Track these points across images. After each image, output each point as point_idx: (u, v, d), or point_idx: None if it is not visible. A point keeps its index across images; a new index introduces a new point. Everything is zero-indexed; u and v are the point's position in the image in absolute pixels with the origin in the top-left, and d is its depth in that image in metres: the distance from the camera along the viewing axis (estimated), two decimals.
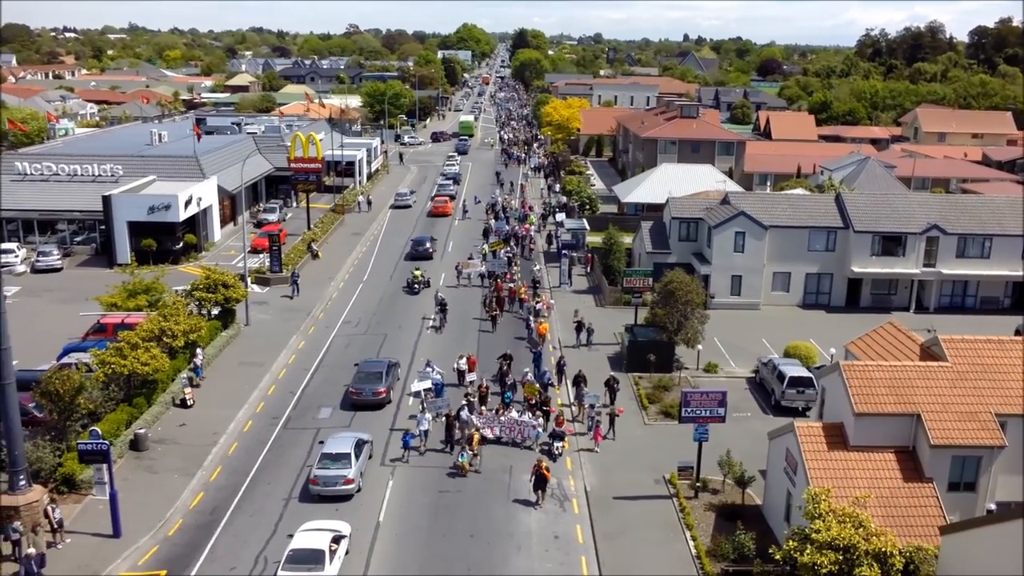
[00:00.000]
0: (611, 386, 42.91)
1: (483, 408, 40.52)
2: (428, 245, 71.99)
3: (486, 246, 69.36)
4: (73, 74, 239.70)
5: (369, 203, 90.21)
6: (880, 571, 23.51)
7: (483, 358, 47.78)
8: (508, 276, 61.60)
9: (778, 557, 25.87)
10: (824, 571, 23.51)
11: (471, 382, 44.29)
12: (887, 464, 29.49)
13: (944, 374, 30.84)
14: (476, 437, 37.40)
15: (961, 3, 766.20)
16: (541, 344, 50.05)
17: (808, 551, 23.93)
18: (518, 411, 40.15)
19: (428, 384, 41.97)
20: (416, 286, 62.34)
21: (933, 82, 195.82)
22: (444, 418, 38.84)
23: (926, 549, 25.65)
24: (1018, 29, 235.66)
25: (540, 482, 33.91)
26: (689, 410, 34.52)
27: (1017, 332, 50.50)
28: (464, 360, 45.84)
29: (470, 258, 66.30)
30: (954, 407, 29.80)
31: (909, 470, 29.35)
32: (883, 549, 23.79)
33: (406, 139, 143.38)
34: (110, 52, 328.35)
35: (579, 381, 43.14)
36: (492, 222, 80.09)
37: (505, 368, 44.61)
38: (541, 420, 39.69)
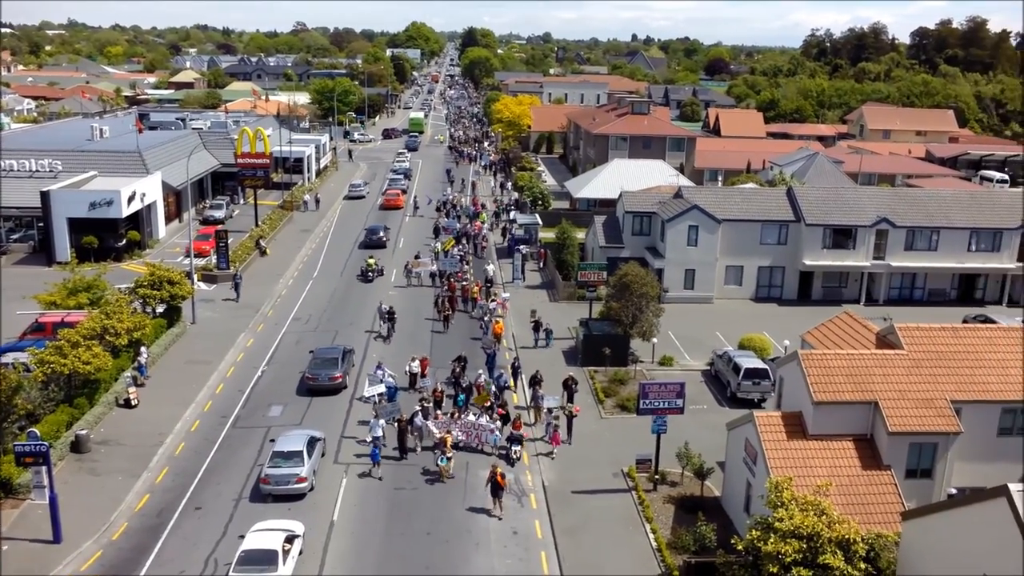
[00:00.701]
0: (569, 386, 41.65)
1: (438, 412, 38.92)
2: (382, 234, 73.11)
3: (438, 244, 68.36)
4: (9, 70, 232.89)
5: (317, 201, 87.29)
6: (843, 558, 23.32)
7: (436, 360, 46.76)
8: (460, 275, 60.04)
9: (740, 547, 25.58)
10: (788, 559, 23.26)
11: (424, 386, 42.27)
12: (846, 452, 29.46)
13: (900, 362, 30.92)
14: (448, 439, 35.74)
15: (903, 7, 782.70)
16: (496, 345, 48.42)
17: (772, 540, 23.67)
18: (475, 415, 38.59)
19: (381, 388, 40.46)
20: (370, 274, 63.24)
21: (877, 81, 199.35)
22: (396, 423, 36.97)
23: (886, 536, 25.60)
24: (958, 31, 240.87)
25: (496, 489, 32.41)
26: (647, 402, 34.21)
27: (964, 322, 51.17)
28: (417, 363, 44.40)
29: (417, 257, 64.46)
30: (911, 394, 29.88)
31: (868, 458, 29.35)
32: (846, 536, 23.62)
33: (356, 136, 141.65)
34: (48, 48, 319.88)
35: (536, 383, 41.82)
36: (443, 220, 78.59)
37: (459, 370, 43.16)
38: (499, 423, 38.21)
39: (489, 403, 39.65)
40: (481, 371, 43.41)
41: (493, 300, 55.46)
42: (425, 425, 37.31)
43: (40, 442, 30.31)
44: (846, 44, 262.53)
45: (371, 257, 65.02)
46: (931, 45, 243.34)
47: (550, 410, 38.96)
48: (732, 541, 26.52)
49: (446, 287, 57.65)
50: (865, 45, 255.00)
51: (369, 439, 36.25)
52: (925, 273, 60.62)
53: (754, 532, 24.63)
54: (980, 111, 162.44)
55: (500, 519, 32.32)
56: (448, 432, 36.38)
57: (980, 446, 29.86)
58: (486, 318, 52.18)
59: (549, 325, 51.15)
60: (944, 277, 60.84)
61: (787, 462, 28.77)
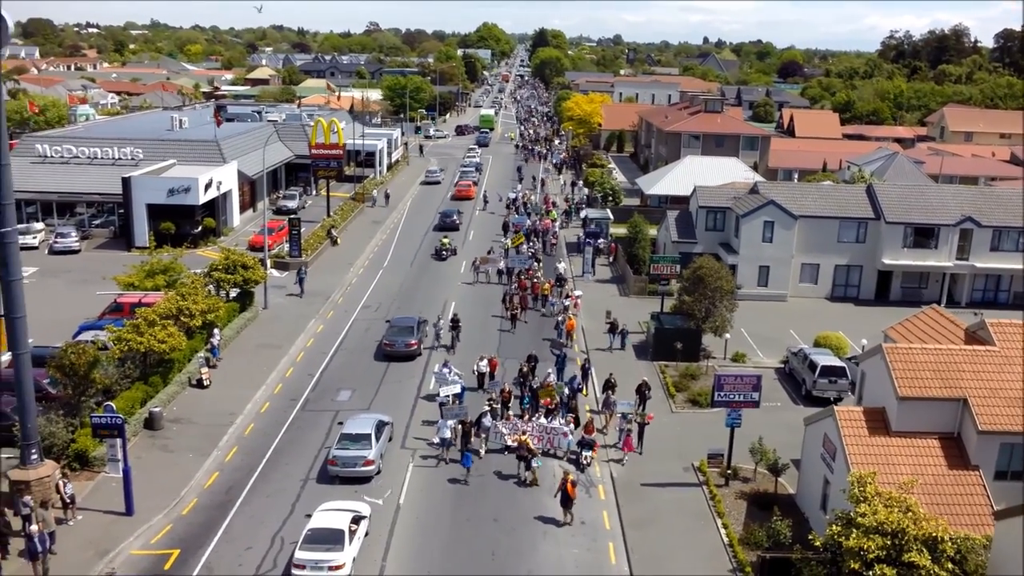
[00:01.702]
0: (643, 392, 39.09)
1: (508, 413, 37.56)
2: (455, 217, 76.89)
3: (507, 241, 67.46)
4: (95, 67, 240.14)
5: (387, 197, 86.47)
6: (930, 557, 22.25)
7: (505, 360, 45.09)
8: (530, 272, 58.38)
9: (819, 543, 24.67)
10: (871, 556, 22.30)
11: (493, 387, 40.33)
12: (931, 450, 28.23)
13: (991, 358, 29.55)
14: (528, 443, 33.82)
15: (983, 9, 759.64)
16: (568, 343, 47.12)
17: (854, 535, 22.72)
18: (548, 417, 36.76)
19: (456, 389, 38.40)
20: (444, 252, 66.85)
21: (958, 84, 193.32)
22: (461, 425, 35.20)
23: (974, 539, 24.39)
24: None
25: (566, 499, 30.68)
26: (722, 394, 33.32)
27: None
28: (485, 362, 42.58)
29: (489, 253, 63.69)
30: (1003, 392, 28.52)
31: (954, 457, 28.08)
32: (933, 534, 22.54)
33: (432, 131, 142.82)
34: (132, 47, 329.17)
35: (608, 387, 39.66)
36: (513, 217, 77.34)
37: (527, 370, 41.35)
38: (572, 426, 36.31)
39: (556, 399, 38.19)
40: (550, 371, 41.63)
41: (567, 297, 54.03)
42: (494, 426, 35.95)
43: (116, 415, 30.75)
44: (926, 46, 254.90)
45: (445, 237, 68.94)
46: (1016, 47, 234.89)
47: (624, 415, 36.68)
48: (810, 537, 25.61)
49: (515, 284, 56.17)
50: (946, 47, 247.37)
51: (436, 440, 35.34)
52: (1011, 275, 58.24)
53: (835, 527, 23.69)
54: None
55: (566, 525, 30.79)
56: (524, 434, 34.58)
57: None
58: (559, 317, 50.36)
59: (626, 327, 49.00)
60: None
61: (868, 459, 27.66)
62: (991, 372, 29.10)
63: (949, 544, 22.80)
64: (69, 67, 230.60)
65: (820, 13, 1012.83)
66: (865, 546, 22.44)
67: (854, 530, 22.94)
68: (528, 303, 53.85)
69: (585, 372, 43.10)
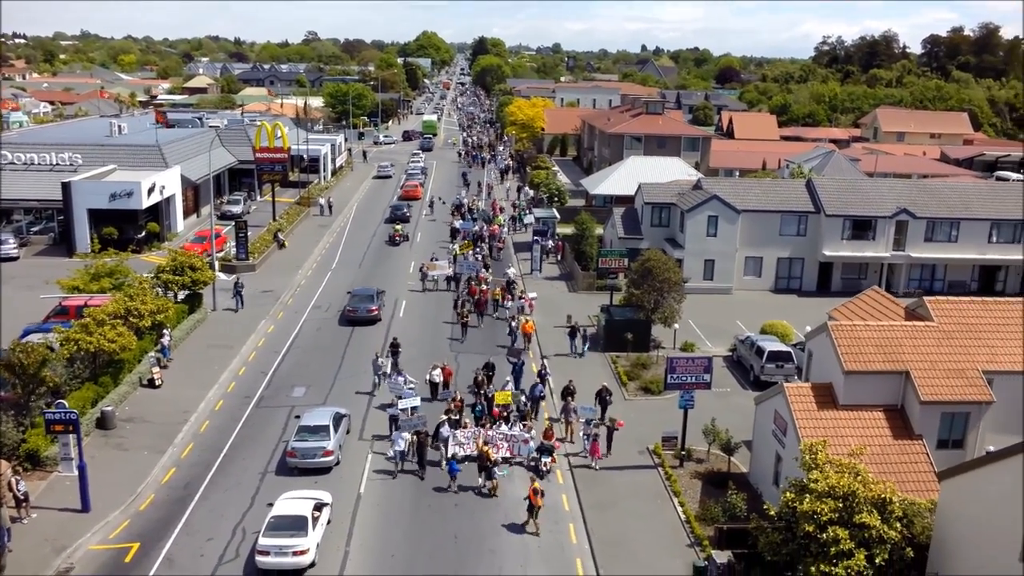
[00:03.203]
0: (603, 398, 38.42)
1: (467, 422, 35.94)
2: (406, 210, 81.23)
3: (455, 247, 65.81)
4: (24, 77, 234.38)
5: (330, 206, 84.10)
6: (880, 518, 23.14)
7: (459, 368, 43.82)
8: (481, 278, 56.86)
9: (773, 513, 25.45)
10: (824, 518, 23.09)
11: (446, 395, 39.66)
12: (877, 422, 29.28)
13: (931, 333, 30.76)
14: (490, 453, 32.95)
15: (912, 17, 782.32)
16: (525, 348, 46.68)
17: (807, 500, 23.51)
18: (508, 424, 35.93)
19: (416, 402, 36.64)
20: (397, 239, 72.23)
21: (889, 87, 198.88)
22: (416, 436, 34.18)
23: (919, 503, 25.39)
24: (970, 38, 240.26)
25: (531, 508, 30.07)
26: (675, 376, 34.10)
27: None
28: (439, 371, 41.11)
29: (433, 259, 61.86)
30: (942, 365, 29.71)
31: (899, 428, 29.17)
32: (882, 496, 23.45)
33: (381, 137, 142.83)
34: (62, 56, 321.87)
35: (568, 394, 38.53)
36: (458, 222, 76.07)
37: (482, 379, 39.99)
38: (533, 432, 35.41)
39: (511, 406, 37.35)
40: (508, 379, 40.80)
41: (521, 298, 53.20)
42: (452, 435, 34.54)
43: (70, 410, 30.37)
44: (857, 52, 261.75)
45: (397, 225, 74.33)
46: (943, 52, 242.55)
47: (588, 421, 35.78)
48: (765, 507, 26.41)
49: (466, 291, 55.30)
50: (876, 52, 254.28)
51: (391, 453, 34.18)
52: (945, 264, 60.32)
53: (789, 494, 24.47)
54: (994, 115, 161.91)
55: (537, 535, 29.86)
56: (487, 444, 33.73)
57: (1012, 417, 29.59)
58: (513, 322, 49.33)
59: (586, 330, 48.36)
60: (964, 269, 60.53)
61: (818, 432, 28.53)
62: (931, 346, 30.28)
63: (897, 505, 23.73)
64: None
65: (756, 22, 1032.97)
66: (818, 509, 23.24)
67: (807, 495, 23.74)
68: (483, 308, 52.64)
69: (542, 378, 41.38)
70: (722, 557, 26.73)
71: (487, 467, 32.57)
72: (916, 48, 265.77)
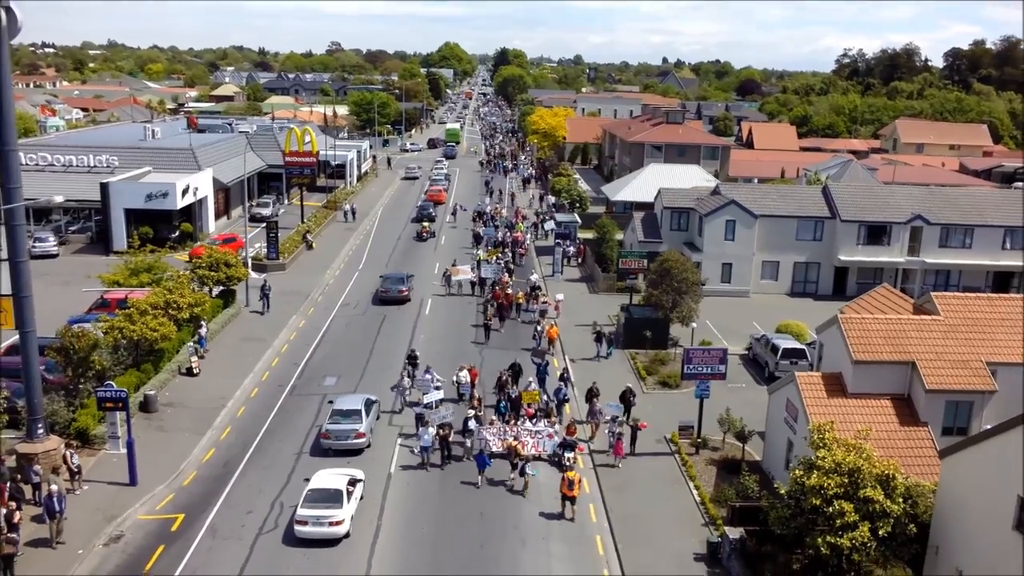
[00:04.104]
0: (627, 399, 38.72)
1: (493, 419, 36.79)
2: (432, 211, 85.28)
3: (479, 252, 67.34)
4: (55, 84, 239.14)
5: (353, 212, 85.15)
6: (883, 493, 24.55)
7: (485, 370, 44.14)
8: (503, 282, 57.73)
9: (783, 492, 26.86)
10: (830, 493, 24.52)
11: (474, 396, 39.58)
12: (884, 409, 30.69)
13: (937, 326, 32.15)
14: (520, 448, 33.84)
15: (934, 32, 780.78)
16: (550, 351, 47.31)
17: (815, 475, 24.95)
18: (532, 420, 36.45)
19: (440, 395, 37.82)
20: (424, 235, 76.83)
21: (910, 99, 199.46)
22: (440, 429, 35.00)
23: (924, 485, 26.77)
24: (992, 51, 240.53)
25: (565, 498, 31.20)
26: (691, 367, 35.63)
27: None
28: (465, 372, 41.49)
29: (454, 264, 62.59)
30: (947, 356, 31.09)
31: (905, 415, 30.57)
32: (886, 472, 24.86)
33: (408, 144, 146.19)
34: (91, 65, 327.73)
35: (592, 396, 38.91)
36: (480, 228, 77.52)
37: (507, 379, 40.39)
38: (558, 427, 36.15)
39: (536, 404, 37.92)
40: (531, 380, 41.03)
41: (544, 302, 53.91)
42: (478, 430, 35.20)
43: (119, 389, 32.27)
44: (878, 64, 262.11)
45: (424, 223, 78.72)
46: (965, 66, 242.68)
47: (614, 419, 36.24)
48: (776, 486, 27.86)
49: (490, 295, 55.65)
50: (898, 65, 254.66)
51: (416, 449, 35.02)
52: (959, 270, 61.38)
53: (797, 471, 25.92)
54: (1014, 127, 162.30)
55: (572, 520, 31.11)
56: (517, 440, 34.55)
57: (1014, 406, 30.76)
58: (538, 326, 49.77)
59: (612, 334, 49.24)
60: (978, 274, 61.56)
61: (827, 418, 29.79)
62: (937, 338, 31.68)
63: (900, 482, 25.13)
64: (28, 85, 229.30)
65: (779, 35, 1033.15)
66: (825, 484, 24.68)
67: (815, 471, 25.19)
68: (507, 312, 53.23)
69: (565, 381, 42.38)
70: (734, 533, 28.21)
71: (517, 463, 33.29)
72: (938, 61, 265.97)
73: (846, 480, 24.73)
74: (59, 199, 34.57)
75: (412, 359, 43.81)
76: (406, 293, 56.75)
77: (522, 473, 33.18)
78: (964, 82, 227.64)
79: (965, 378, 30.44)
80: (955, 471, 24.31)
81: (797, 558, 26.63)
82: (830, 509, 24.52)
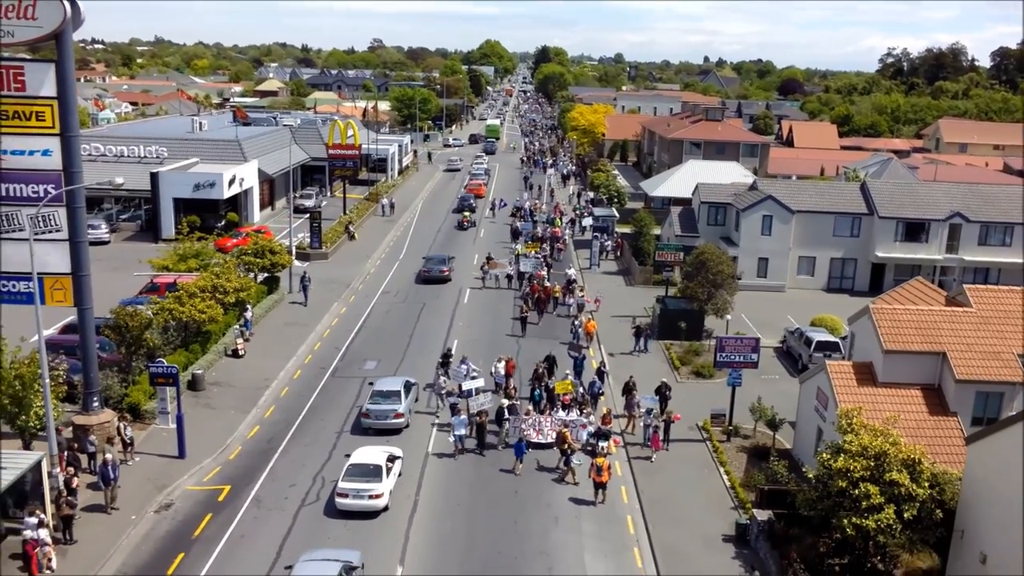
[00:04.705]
0: (663, 393, 38.54)
1: (528, 408, 36.97)
2: (472, 201, 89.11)
3: (517, 247, 67.65)
4: (104, 79, 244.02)
5: (392, 206, 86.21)
6: (909, 477, 25.06)
7: (522, 362, 44.27)
8: (539, 275, 57.55)
9: (811, 476, 27.44)
10: (856, 476, 25.07)
11: (509, 387, 39.64)
12: (914, 399, 31.11)
13: (969, 318, 32.47)
14: (568, 435, 34.01)
15: (979, 32, 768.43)
16: (587, 345, 47.51)
17: (841, 459, 25.51)
18: (566, 410, 36.77)
19: (481, 383, 38.24)
20: (465, 224, 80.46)
21: (955, 99, 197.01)
22: (476, 417, 35.77)
23: (951, 473, 27.18)
24: None
25: (597, 485, 31.77)
26: (724, 355, 36.28)
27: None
28: (502, 364, 41.41)
29: (488, 258, 62.95)
30: (978, 347, 31.41)
31: (935, 405, 30.96)
32: (913, 456, 25.36)
33: (451, 140, 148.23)
34: (139, 61, 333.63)
35: (629, 389, 38.85)
36: (519, 223, 77.95)
37: (542, 371, 40.47)
38: (593, 418, 36.51)
39: (572, 394, 38.14)
40: (568, 372, 41.24)
41: (582, 296, 54.00)
42: (514, 419, 35.61)
43: (170, 365, 33.67)
44: (923, 64, 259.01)
45: (466, 212, 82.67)
46: (1012, 65, 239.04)
47: (649, 411, 36.38)
48: (804, 470, 28.44)
49: (528, 288, 55.94)
50: (943, 65, 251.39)
51: (451, 439, 35.15)
52: (999, 268, 61.15)
53: (824, 454, 26.49)
54: None
55: (603, 503, 31.65)
56: (565, 426, 34.87)
57: None
58: (576, 321, 49.79)
59: (650, 330, 49.25)
60: (1017, 273, 61.10)
61: (857, 406, 30.37)
62: (968, 330, 32.00)
63: (927, 466, 25.61)
64: (79, 79, 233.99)
65: (819, 35, 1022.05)
66: (851, 467, 25.24)
67: (842, 455, 25.76)
68: (544, 306, 53.27)
69: (601, 375, 42.01)
70: (763, 515, 28.86)
71: (565, 451, 33.35)
72: (985, 61, 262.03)
73: (872, 464, 25.24)
74: (120, 180, 35.51)
75: (445, 359, 42.59)
76: (447, 273, 60.55)
77: (567, 463, 33.39)
78: (1011, 82, 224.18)
79: (996, 369, 30.75)
80: (981, 456, 24.74)
81: (824, 541, 27.25)
82: (856, 492, 25.04)
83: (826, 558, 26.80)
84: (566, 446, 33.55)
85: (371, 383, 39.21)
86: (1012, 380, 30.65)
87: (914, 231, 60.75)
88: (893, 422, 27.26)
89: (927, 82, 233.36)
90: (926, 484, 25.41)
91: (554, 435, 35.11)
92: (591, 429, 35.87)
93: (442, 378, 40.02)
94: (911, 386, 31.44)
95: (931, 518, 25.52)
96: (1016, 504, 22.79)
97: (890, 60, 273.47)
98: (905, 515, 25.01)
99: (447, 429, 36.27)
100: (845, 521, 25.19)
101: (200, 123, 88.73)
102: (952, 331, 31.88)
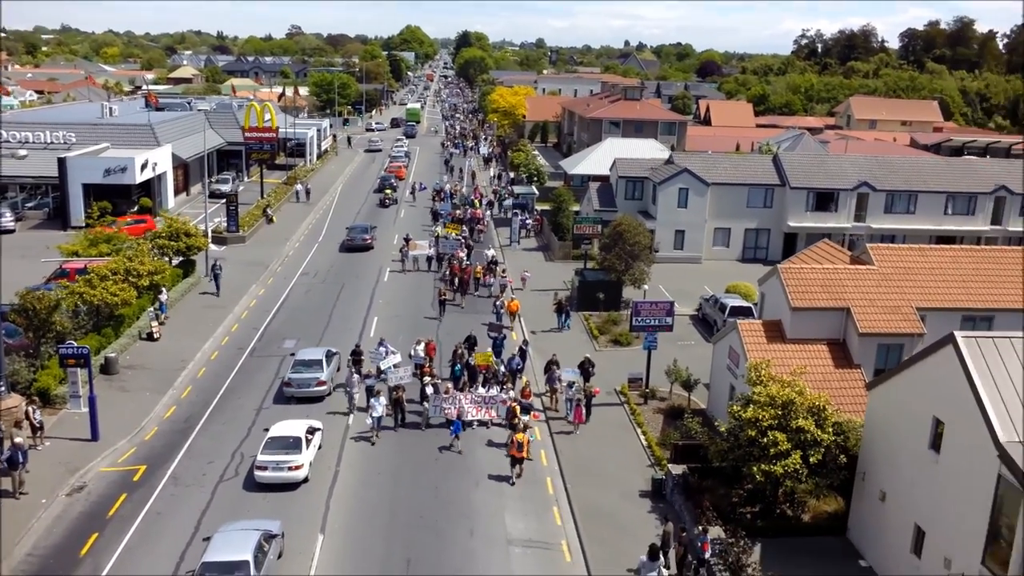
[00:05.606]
0: (586, 368, 38.11)
1: (448, 386, 36.18)
2: (392, 180, 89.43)
3: (437, 229, 66.75)
4: (6, 68, 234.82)
5: (308, 192, 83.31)
6: (814, 423, 26.00)
7: (443, 344, 43.32)
8: (458, 256, 56.56)
9: (723, 429, 28.29)
10: (765, 424, 25.94)
11: (429, 367, 38.82)
12: (820, 353, 32.23)
13: (871, 275, 33.73)
14: (516, 409, 33.89)
15: (891, 14, 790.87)
16: (510, 325, 47.10)
17: (751, 409, 26.36)
18: (486, 387, 36.46)
19: (397, 359, 37.61)
20: (387, 202, 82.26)
21: (866, 78, 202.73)
22: (394, 392, 35.22)
23: (855, 420, 28.27)
24: (945, 31, 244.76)
25: (514, 461, 31.36)
26: (639, 319, 36.99)
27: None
28: (422, 346, 40.70)
29: (407, 239, 61.40)
30: (879, 302, 32.69)
31: (840, 358, 32.14)
32: (817, 403, 26.32)
33: (372, 124, 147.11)
34: (44, 49, 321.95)
35: (551, 365, 38.34)
36: (438, 205, 77.44)
37: (462, 350, 39.80)
38: (513, 393, 36.17)
39: (491, 366, 38.16)
40: (488, 351, 40.47)
41: (504, 277, 53.81)
42: (435, 398, 35.22)
43: (81, 346, 32.89)
44: (836, 45, 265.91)
45: (387, 190, 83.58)
46: (920, 46, 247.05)
47: (571, 384, 36.25)
48: (716, 423, 29.25)
49: (447, 270, 55.09)
50: (854, 46, 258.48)
51: (369, 421, 34.20)
52: (904, 235, 63.33)
53: (735, 406, 27.32)
54: (965, 105, 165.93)
55: (513, 484, 31.03)
56: (515, 401, 34.83)
57: None
58: (498, 301, 48.80)
59: (568, 301, 49.34)
60: (922, 239, 63.31)
61: (766, 360, 31.36)
62: (870, 287, 33.27)
63: (831, 413, 26.61)
64: None
65: (737, 20, 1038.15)
66: (760, 416, 26.10)
67: (751, 406, 26.60)
68: (465, 287, 52.55)
69: (523, 354, 41.39)
70: (678, 470, 29.60)
71: (516, 426, 32.41)
72: (894, 43, 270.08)
73: (780, 412, 26.17)
74: (23, 152, 34.44)
75: (356, 356, 38.90)
76: (370, 241, 63.48)
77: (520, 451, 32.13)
78: (918, 62, 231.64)
79: (896, 322, 32.04)
80: (878, 401, 25.82)
81: (736, 491, 28.11)
82: (765, 440, 25.95)
83: (738, 507, 27.67)
84: (516, 420, 33.03)
85: (292, 354, 39.04)
86: (911, 332, 31.97)
87: (824, 201, 62.58)
88: (800, 374, 28.22)
89: (839, 62, 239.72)
90: (830, 430, 26.45)
91: (493, 413, 35.23)
92: (511, 404, 35.04)
93: (354, 376, 36.91)
94: (818, 341, 32.57)
95: (835, 462, 26.57)
96: (910, 440, 23.85)
97: (804, 42, 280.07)
98: (811, 460, 26.00)
99: (365, 410, 35.51)
100: (755, 468, 26.07)
101: (110, 108, 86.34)
102: (856, 288, 33.09)
